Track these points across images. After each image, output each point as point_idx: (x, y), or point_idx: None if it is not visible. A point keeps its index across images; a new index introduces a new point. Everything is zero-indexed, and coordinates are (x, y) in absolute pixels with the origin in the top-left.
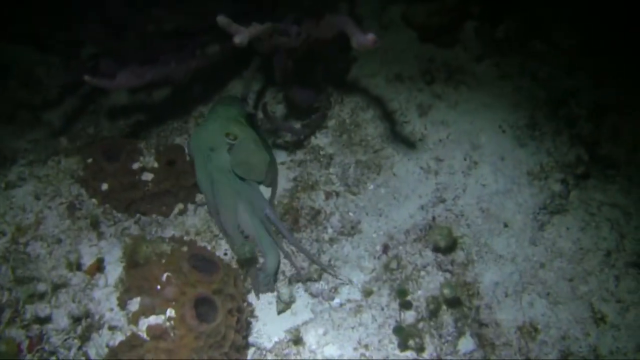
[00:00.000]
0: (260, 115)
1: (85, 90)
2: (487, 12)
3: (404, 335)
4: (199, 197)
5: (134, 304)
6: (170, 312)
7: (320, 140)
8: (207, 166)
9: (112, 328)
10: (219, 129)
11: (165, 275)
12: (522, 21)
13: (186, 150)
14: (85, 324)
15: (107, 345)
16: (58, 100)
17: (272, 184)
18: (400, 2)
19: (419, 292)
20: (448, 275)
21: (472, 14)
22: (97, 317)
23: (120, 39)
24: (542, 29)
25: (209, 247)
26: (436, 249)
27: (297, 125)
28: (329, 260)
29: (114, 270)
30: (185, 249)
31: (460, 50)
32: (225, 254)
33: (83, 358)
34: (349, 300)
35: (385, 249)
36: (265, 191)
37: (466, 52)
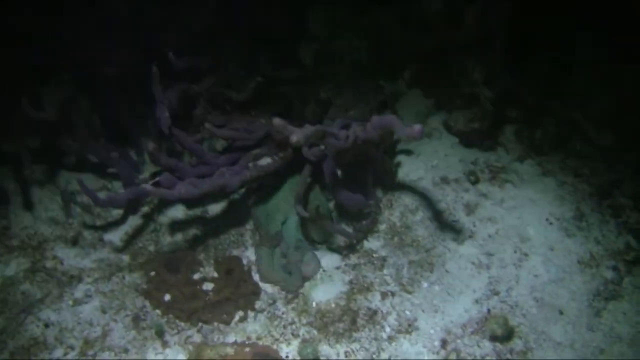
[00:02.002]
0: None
1: (145, 210)
2: (524, 115)
3: None
4: (259, 304)
5: None
6: None
7: (373, 243)
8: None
9: None
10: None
11: None
12: (558, 124)
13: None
14: None
15: None
16: (120, 221)
17: None
18: (441, 112)
19: None
20: None
21: (510, 119)
22: None
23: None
24: (578, 130)
25: None
26: (494, 338)
27: (350, 229)
28: (389, 357)
29: None
30: (247, 349)
31: (502, 152)
32: (287, 356)
33: None
34: None
35: (444, 343)
36: None
37: (508, 153)
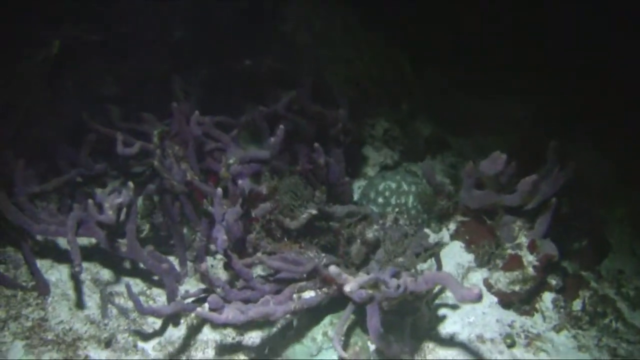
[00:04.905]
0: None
1: (182, 324)
2: (563, 285)
3: None
4: None
5: None
6: None
7: None
8: None
9: None
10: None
11: None
12: (594, 298)
13: None
14: None
15: None
16: (156, 330)
17: None
18: (482, 269)
19: None
20: None
21: (550, 286)
22: None
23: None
24: (612, 307)
25: None
26: None
27: None
28: None
29: None
30: None
31: (538, 319)
32: None
33: None
34: None
35: None
36: None
37: (545, 321)
